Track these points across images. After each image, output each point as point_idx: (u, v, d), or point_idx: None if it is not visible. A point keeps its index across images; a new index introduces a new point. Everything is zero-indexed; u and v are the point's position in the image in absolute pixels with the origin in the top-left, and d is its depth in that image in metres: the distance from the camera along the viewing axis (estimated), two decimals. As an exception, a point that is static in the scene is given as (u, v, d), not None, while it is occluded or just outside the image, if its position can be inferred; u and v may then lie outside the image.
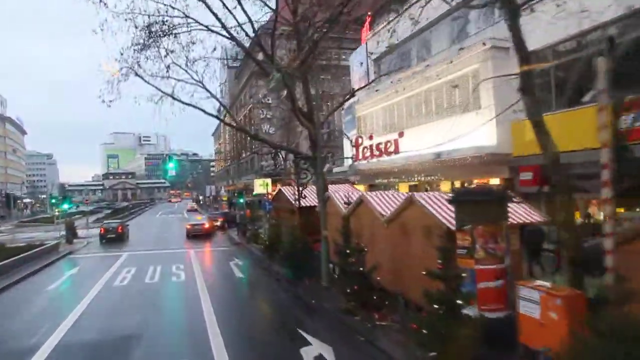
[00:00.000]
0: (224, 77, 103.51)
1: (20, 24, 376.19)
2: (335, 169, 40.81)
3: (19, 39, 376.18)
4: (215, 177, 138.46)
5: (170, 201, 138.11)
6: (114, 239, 34.97)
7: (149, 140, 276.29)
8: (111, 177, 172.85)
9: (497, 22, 16.76)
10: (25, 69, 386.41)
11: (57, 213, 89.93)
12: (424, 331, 7.85)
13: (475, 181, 18.08)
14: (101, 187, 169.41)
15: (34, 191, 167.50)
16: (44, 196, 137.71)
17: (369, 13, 25.51)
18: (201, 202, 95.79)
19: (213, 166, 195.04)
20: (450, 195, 10.20)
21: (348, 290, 12.10)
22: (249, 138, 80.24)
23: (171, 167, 34.45)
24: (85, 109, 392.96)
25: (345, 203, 15.98)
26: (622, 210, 11.05)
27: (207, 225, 35.29)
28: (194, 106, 20.18)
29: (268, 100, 73.34)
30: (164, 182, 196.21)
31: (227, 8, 16.89)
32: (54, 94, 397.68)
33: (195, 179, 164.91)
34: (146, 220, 56.47)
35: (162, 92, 20.22)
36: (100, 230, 36.90)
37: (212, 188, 64.37)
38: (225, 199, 61.88)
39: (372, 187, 27.22)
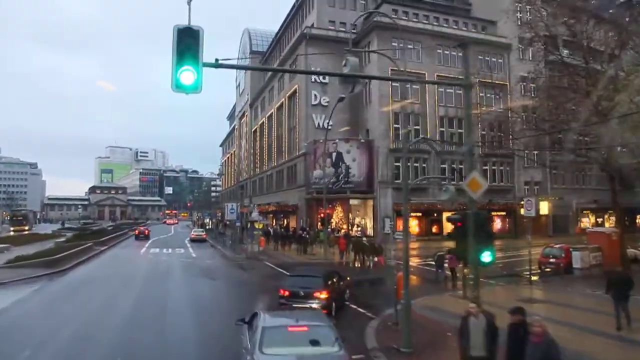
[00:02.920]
0: (246, 62, 76.24)
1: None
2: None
3: (17, 51, 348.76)
4: (221, 197, 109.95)
5: (165, 222, 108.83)
6: (142, 238, 50.11)
7: (146, 156, 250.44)
8: (98, 192, 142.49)
9: None
10: (23, 81, 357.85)
11: (11, 233, 59.39)
12: None
13: None
14: (86, 202, 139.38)
15: (10, 203, 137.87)
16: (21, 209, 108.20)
17: None
18: (208, 227, 66.93)
19: (215, 185, 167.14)
20: None
21: None
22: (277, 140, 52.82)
23: (187, 83, 5.95)
24: (86, 124, 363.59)
25: None
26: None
27: None
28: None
29: (324, 79, 46.06)
30: (159, 201, 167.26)
31: None
32: (51, 107, 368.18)
33: (196, 197, 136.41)
34: (116, 265, 27.64)
35: None
36: (135, 232, 54.21)
37: (234, 207, 35.99)
38: (260, 226, 33.64)
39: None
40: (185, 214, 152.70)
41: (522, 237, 46.95)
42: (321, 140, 42.56)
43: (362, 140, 42.30)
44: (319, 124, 45.51)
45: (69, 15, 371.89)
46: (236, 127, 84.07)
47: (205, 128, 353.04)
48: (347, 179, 41.20)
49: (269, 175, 59.07)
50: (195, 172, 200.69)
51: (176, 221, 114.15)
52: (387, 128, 42.96)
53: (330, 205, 43.26)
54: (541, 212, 48.54)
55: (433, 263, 29.10)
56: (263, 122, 63.24)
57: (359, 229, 42.14)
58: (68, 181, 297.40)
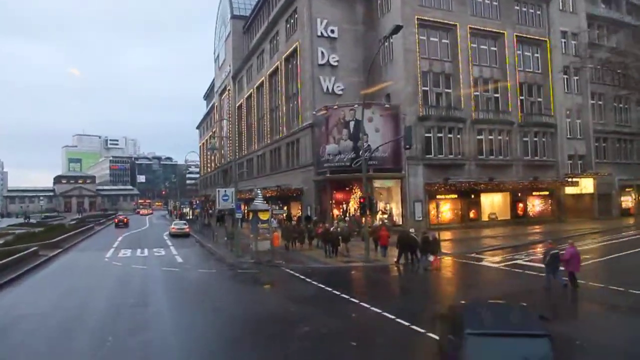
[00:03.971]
0: (226, 29, 65.67)
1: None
2: None
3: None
4: (199, 183, 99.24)
5: (139, 212, 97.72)
6: (122, 226, 53.99)
7: (116, 144, 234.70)
8: (64, 181, 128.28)
9: None
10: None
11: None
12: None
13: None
14: (51, 194, 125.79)
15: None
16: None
17: None
18: (189, 218, 57.05)
19: (191, 173, 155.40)
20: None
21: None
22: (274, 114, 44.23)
23: None
24: (53, 115, 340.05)
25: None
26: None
27: None
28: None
29: (332, 32, 36.58)
30: (132, 189, 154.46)
31: None
32: (14, 97, 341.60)
33: (173, 184, 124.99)
34: (63, 287, 17.41)
35: None
36: (115, 221, 58.69)
37: (229, 193, 26.34)
38: (265, 217, 24.14)
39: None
40: (160, 203, 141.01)
41: (567, 220, 39.16)
42: (335, 106, 33.33)
43: (387, 106, 33.15)
44: (327, 87, 36.15)
45: (32, 1, 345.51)
46: (216, 105, 73.58)
47: (178, 114, 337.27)
48: (370, 153, 32.03)
49: (260, 155, 49.41)
50: (169, 158, 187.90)
51: (151, 211, 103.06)
52: (415, 91, 33.94)
53: (346, 188, 34.20)
54: (585, 191, 40.81)
55: (508, 261, 20.71)
56: (251, 95, 53.27)
57: (386, 216, 33.19)
58: (35, 173, 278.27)
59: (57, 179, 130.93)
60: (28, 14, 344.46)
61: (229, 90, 63.76)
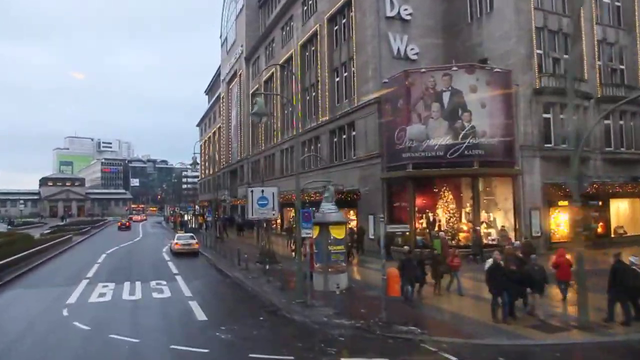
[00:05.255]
0: (237, 5, 54.18)
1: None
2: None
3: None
4: (200, 187, 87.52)
5: (131, 219, 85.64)
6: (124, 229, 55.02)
7: (109, 147, 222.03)
8: (51, 184, 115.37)
9: None
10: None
11: None
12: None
13: None
14: (36, 197, 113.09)
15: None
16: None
17: None
18: (192, 227, 45.67)
19: (186, 176, 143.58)
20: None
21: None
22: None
23: None
24: (44, 116, 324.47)
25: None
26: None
27: None
28: None
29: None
30: (125, 193, 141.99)
31: None
32: (6, 98, 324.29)
33: (168, 188, 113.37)
34: None
35: None
36: (118, 224, 61.25)
37: (270, 195, 15.28)
38: (340, 235, 12.73)
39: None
40: (154, 209, 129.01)
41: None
42: (423, 69, 22.42)
43: (497, 70, 22.19)
44: (398, 49, 25.20)
45: (24, 2, 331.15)
46: (222, 95, 62.24)
47: (173, 117, 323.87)
48: (475, 139, 21.10)
49: (286, 149, 38.23)
50: (165, 162, 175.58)
51: (144, 217, 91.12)
52: (530, 54, 23.16)
53: (434, 189, 23.11)
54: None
55: None
56: (271, 76, 42.18)
57: (492, 230, 22.11)
58: (25, 176, 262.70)
59: (43, 181, 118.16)
60: (19, 15, 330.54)
61: (240, 75, 52.61)
